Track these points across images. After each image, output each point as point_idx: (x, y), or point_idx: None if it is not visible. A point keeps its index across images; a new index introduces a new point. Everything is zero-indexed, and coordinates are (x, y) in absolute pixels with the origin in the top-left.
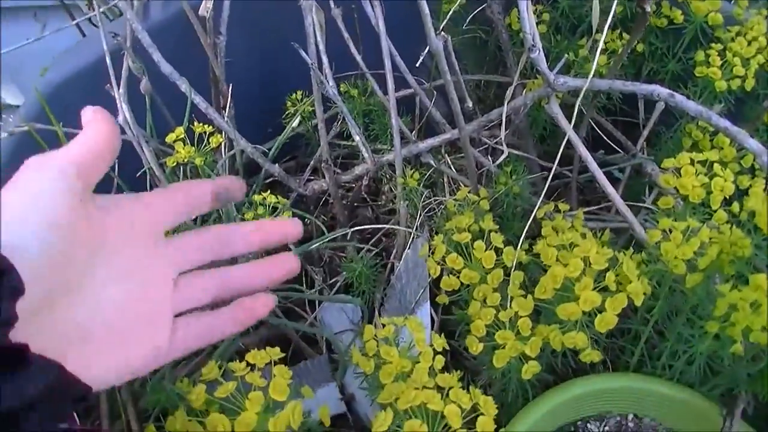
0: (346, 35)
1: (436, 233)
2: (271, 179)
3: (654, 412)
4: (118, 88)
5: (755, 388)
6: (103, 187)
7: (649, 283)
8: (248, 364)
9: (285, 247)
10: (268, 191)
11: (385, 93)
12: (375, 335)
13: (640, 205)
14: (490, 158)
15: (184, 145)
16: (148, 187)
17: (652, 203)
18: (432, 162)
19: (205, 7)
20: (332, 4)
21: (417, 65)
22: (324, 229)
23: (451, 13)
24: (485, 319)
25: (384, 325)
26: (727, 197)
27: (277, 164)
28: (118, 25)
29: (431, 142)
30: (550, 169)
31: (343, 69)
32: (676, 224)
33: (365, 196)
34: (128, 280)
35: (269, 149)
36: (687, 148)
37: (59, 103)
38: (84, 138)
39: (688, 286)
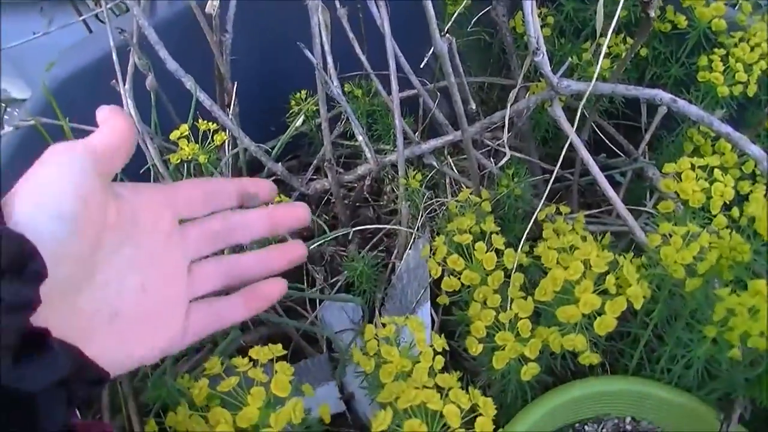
0: (351, 35)
1: (438, 234)
2: (273, 178)
3: (652, 416)
4: (124, 84)
5: (753, 393)
6: None
7: (648, 287)
8: (251, 359)
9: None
10: None
11: (389, 94)
12: (376, 335)
13: (641, 209)
14: (492, 160)
15: (188, 142)
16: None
17: (653, 207)
18: (434, 163)
19: (212, 5)
20: (338, 4)
21: (421, 66)
22: (326, 228)
23: (456, 15)
24: (485, 321)
25: (384, 325)
26: (727, 202)
27: (280, 163)
28: (125, 21)
29: (434, 143)
30: (552, 171)
31: (347, 69)
32: (676, 229)
33: (367, 196)
34: (146, 267)
35: (272, 148)
36: (688, 152)
37: (65, 98)
38: (103, 132)
39: (688, 291)
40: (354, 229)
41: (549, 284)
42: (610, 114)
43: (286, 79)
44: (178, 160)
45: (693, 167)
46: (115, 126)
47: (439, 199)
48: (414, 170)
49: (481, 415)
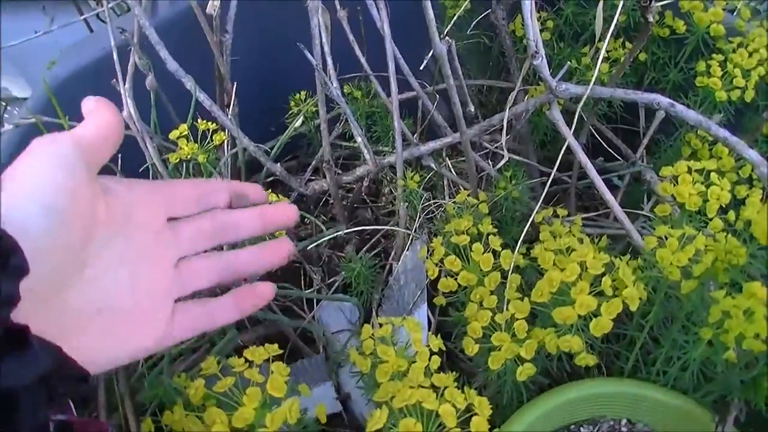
0: (351, 37)
1: (435, 235)
2: (272, 178)
3: (647, 418)
4: (124, 84)
5: (748, 396)
6: None
7: (644, 289)
8: (246, 360)
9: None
10: (269, 190)
11: (389, 95)
12: (372, 334)
13: (639, 212)
14: (490, 162)
15: (188, 142)
16: None
17: (650, 211)
18: (433, 165)
19: (213, 6)
20: (338, 6)
21: (421, 68)
22: (323, 228)
23: (455, 18)
24: (482, 321)
25: (381, 325)
26: (724, 206)
27: (278, 163)
28: (125, 20)
29: (432, 145)
30: (550, 174)
31: (346, 70)
32: (672, 231)
33: (365, 197)
34: (136, 263)
35: (271, 148)
36: (686, 156)
37: (65, 96)
38: (88, 122)
39: (683, 293)
40: (349, 230)
41: (545, 285)
42: (608, 118)
43: (285, 80)
44: (177, 160)
45: (690, 171)
46: (101, 117)
47: (436, 201)
48: (412, 172)
49: (476, 414)
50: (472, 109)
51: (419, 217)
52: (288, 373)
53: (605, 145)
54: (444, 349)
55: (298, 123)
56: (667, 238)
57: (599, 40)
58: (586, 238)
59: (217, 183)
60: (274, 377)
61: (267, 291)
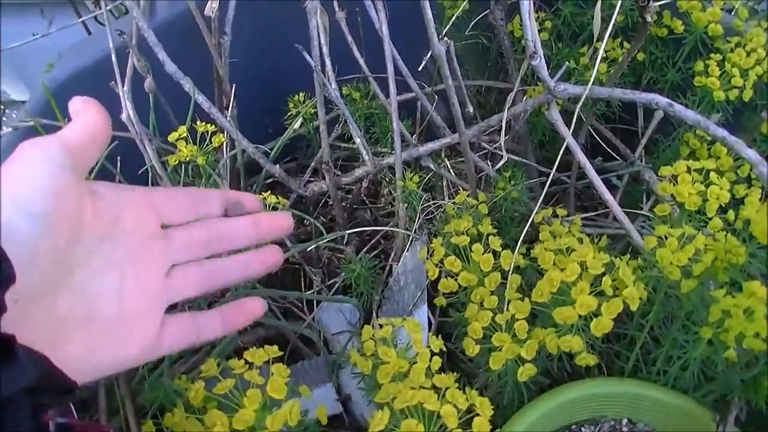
0: (349, 39)
1: (435, 236)
2: (271, 180)
3: (648, 417)
4: (123, 86)
5: (748, 395)
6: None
7: (644, 289)
8: (246, 362)
9: (282, 244)
10: (269, 191)
11: (387, 96)
12: (373, 336)
13: (638, 212)
14: (489, 163)
15: (187, 144)
16: (149, 185)
17: (650, 210)
18: (432, 166)
19: (211, 7)
20: (336, 7)
21: (419, 69)
22: (323, 230)
23: (453, 18)
24: (482, 322)
25: (381, 326)
26: (723, 205)
27: (277, 165)
28: (124, 23)
29: (431, 146)
30: (548, 174)
31: (344, 72)
32: (671, 231)
33: (364, 198)
34: (125, 269)
35: (270, 149)
36: (684, 156)
37: (64, 99)
38: (75, 123)
39: (683, 292)
40: (350, 231)
41: (546, 285)
42: (606, 118)
43: (283, 80)
44: (177, 162)
45: (689, 170)
46: (88, 117)
47: (436, 202)
48: (411, 173)
49: (478, 415)
50: (471, 110)
51: (419, 218)
52: (288, 374)
53: (604, 145)
54: (445, 350)
55: (297, 125)
56: (667, 238)
57: (597, 40)
58: (586, 238)
59: (211, 192)
60: (275, 379)
61: (256, 308)
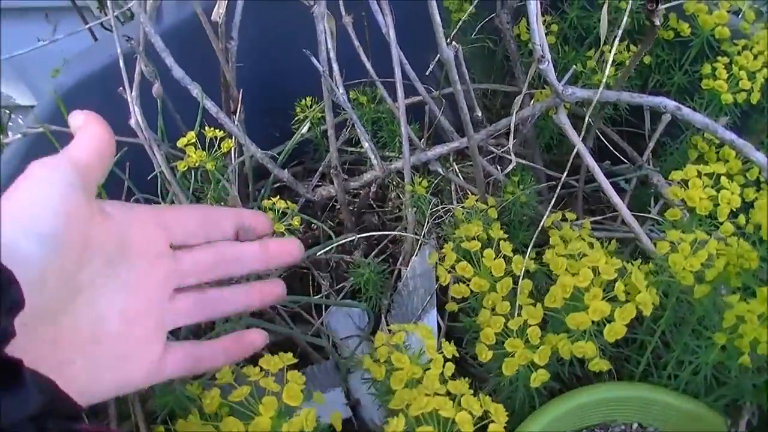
0: (356, 43)
1: (444, 241)
2: (279, 184)
3: (658, 422)
4: (131, 92)
5: (760, 400)
6: (114, 189)
7: (656, 294)
8: (261, 369)
9: None
10: (278, 197)
11: (394, 100)
12: (387, 341)
13: (646, 215)
14: (498, 167)
15: (195, 149)
16: (158, 191)
17: (658, 214)
18: (440, 170)
19: (218, 12)
20: (343, 12)
21: (426, 74)
22: (331, 234)
23: (461, 22)
24: (495, 328)
25: (390, 330)
26: (734, 210)
27: (286, 169)
28: (129, 28)
29: (439, 150)
30: (555, 178)
31: (351, 76)
32: (684, 236)
33: (371, 202)
34: (131, 291)
35: (277, 154)
36: (693, 159)
37: (72, 105)
38: (82, 140)
39: (696, 297)
40: (360, 235)
41: (559, 291)
42: (613, 121)
43: (288, 84)
44: (186, 168)
45: (699, 175)
46: (94, 133)
47: (444, 206)
48: (420, 177)
49: (492, 422)
50: (480, 114)
51: (428, 223)
52: (303, 381)
53: (611, 148)
54: (457, 356)
55: (305, 129)
56: (679, 243)
57: (604, 43)
58: (597, 242)
59: (223, 212)
60: (291, 386)
61: (257, 339)
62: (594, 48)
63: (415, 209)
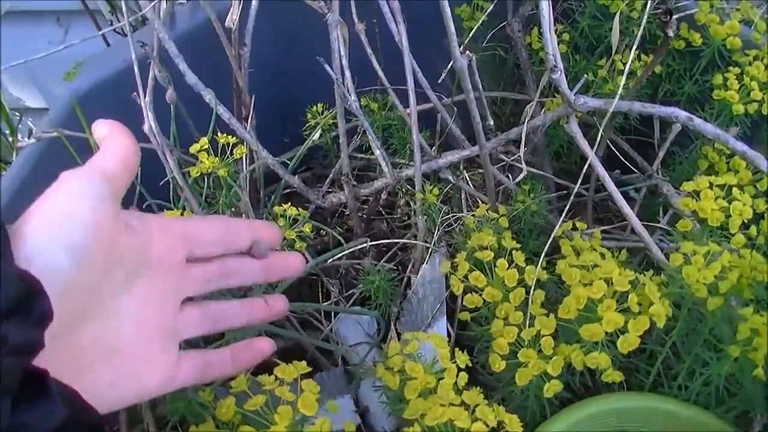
0: (369, 51)
1: (455, 249)
2: (288, 190)
3: None
4: (145, 97)
5: None
6: (126, 194)
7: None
8: (276, 378)
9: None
10: (288, 204)
11: (405, 107)
12: (401, 350)
13: (655, 225)
14: (509, 176)
15: (208, 155)
16: (170, 196)
17: (667, 223)
18: (451, 178)
19: (232, 19)
20: (355, 19)
21: (438, 82)
22: (341, 240)
23: (473, 31)
24: (508, 338)
25: (400, 338)
26: (746, 221)
27: (296, 176)
28: (142, 33)
29: (450, 158)
30: (564, 186)
31: (361, 82)
32: (698, 248)
33: (381, 209)
34: (147, 301)
35: (288, 159)
36: (703, 170)
37: (87, 110)
38: (108, 151)
39: (710, 309)
40: (372, 242)
41: (573, 302)
42: (622, 129)
43: (299, 89)
44: (198, 173)
45: (711, 186)
46: (120, 144)
47: (454, 214)
48: (430, 185)
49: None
50: (492, 123)
51: (438, 231)
52: (318, 391)
53: (621, 157)
54: (470, 365)
55: (317, 136)
56: (692, 255)
57: (615, 52)
58: (608, 252)
59: (238, 224)
60: (306, 395)
61: (265, 347)
62: (605, 57)
63: (425, 217)
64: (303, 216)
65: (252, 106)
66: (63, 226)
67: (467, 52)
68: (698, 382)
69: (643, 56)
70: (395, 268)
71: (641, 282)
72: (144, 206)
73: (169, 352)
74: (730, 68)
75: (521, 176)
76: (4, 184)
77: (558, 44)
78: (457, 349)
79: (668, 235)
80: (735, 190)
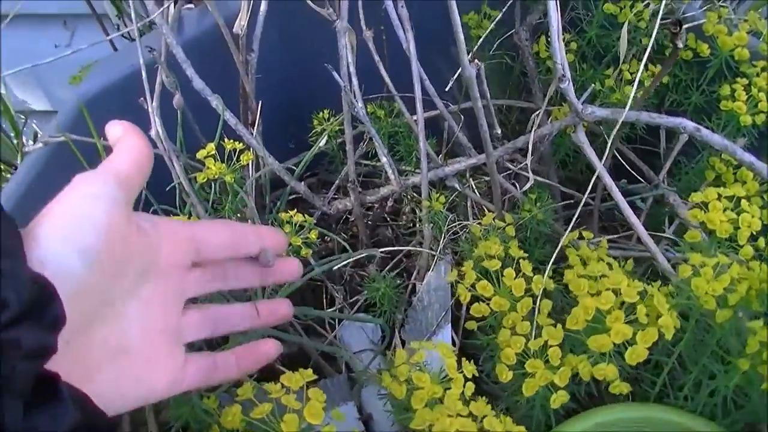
0: (377, 58)
1: (461, 257)
2: (294, 196)
3: None
4: (152, 102)
5: None
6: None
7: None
8: (283, 386)
9: (307, 262)
10: (294, 210)
11: (412, 114)
12: (408, 360)
13: (661, 234)
14: (517, 185)
15: (215, 161)
16: (176, 202)
17: (673, 233)
18: (457, 186)
19: (240, 25)
20: (363, 26)
21: (446, 90)
22: (347, 247)
23: (481, 39)
24: (515, 348)
25: (404, 344)
26: (755, 233)
27: (302, 182)
28: (149, 39)
29: (457, 166)
30: (570, 195)
31: (367, 89)
32: (707, 260)
33: (386, 215)
34: (154, 304)
35: (294, 165)
36: (710, 180)
37: (92, 115)
38: (122, 153)
39: (719, 322)
40: (380, 250)
41: (581, 313)
42: (628, 138)
43: (305, 94)
44: (205, 179)
45: (719, 197)
46: (133, 146)
47: (460, 222)
48: (437, 193)
49: None
50: (499, 132)
51: (444, 238)
52: (324, 399)
53: (626, 166)
54: (477, 374)
55: (323, 142)
56: (701, 267)
57: (623, 62)
58: (615, 262)
59: (249, 229)
60: (312, 404)
61: (271, 350)
62: (612, 66)
63: (431, 225)
64: (309, 223)
65: (259, 111)
66: (76, 228)
67: (476, 60)
68: (704, 393)
69: (650, 66)
70: (400, 275)
71: (649, 293)
72: (150, 211)
73: (175, 354)
74: (738, 79)
75: (528, 185)
76: (11, 188)
77: (565, 53)
78: (464, 359)
79: (674, 245)
80: (744, 202)
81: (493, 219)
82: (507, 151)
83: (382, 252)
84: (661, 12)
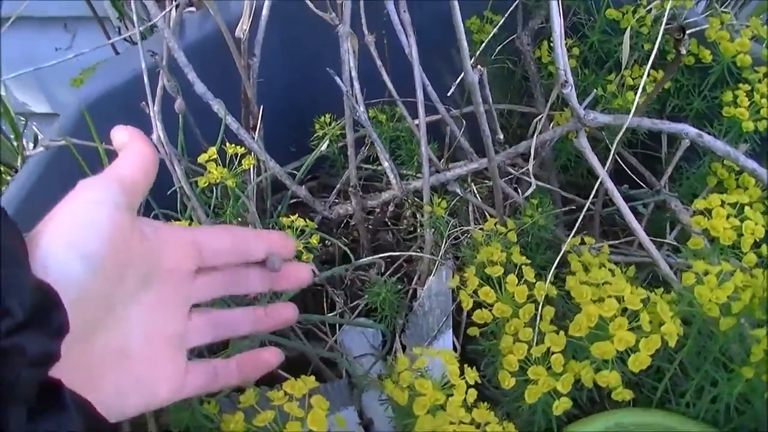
0: (379, 62)
1: (462, 262)
2: (295, 200)
3: None
4: (154, 106)
5: None
6: None
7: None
8: (286, 393)
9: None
10: (296, 215)
11: (413, 118)
12: (410, 366)
13: (662, 240)
14: (517, 189)
15: (216, 165)
16: (177, 206)
17: (674, 239)
18: (459, 191)
19: (242, 29)
20: (365, 31)
21: (448, 95)
22: (348, 252)
23: (483, 44)
24: (518, 355)
25: (405, 349)
26: (758, 240)
27: (303, 186)
28: (151, 42)
29: (459, 171)
30: (571, 200)
31: (369, 94)
32: (711, 268)
33: (387, 220)
34: (157, 309)
35: (293, 169)
36: (712, 186)
37: (94, 119)
38: (127, 159)
39: (722, 329)
40: (379, 257)
41: (584, 320)
42: (630, 143)
43: (306, 98)
44: (206, 184)
45: (723, 204)
46: (138, 151)
47: (461, 227)
48: (438, 198)
49: None
50: (502, 137)
51: (445, 243)
52: (327, 407)
53: (628, 171)
54: (479, 381)
55: (324, 147)
56: (705, 275)
57: (625, 68)
58: (617, 268)
59: (254, 234)
60: (316, 412)
61: (272, 358)
62: (614, 72)
63: (433, 230)
64: (311, 227)
65: (260, 116)
66: (80, 235)
67: (478, 66)
68: (706, 400)
69: (652, 71)
70: (401, 279)
71: (652, 300)
72: (151, 216)
73: (177, 360)
74: (740, 85)
75: (530, 190)
76: (12, 192)
77: (568, 58)
78: (466, 365)
79: (675, 251)
80: (747, 209)
81: (495, 224)
82: (509, 156)
83: (382, 257)
84: (665, 18)
